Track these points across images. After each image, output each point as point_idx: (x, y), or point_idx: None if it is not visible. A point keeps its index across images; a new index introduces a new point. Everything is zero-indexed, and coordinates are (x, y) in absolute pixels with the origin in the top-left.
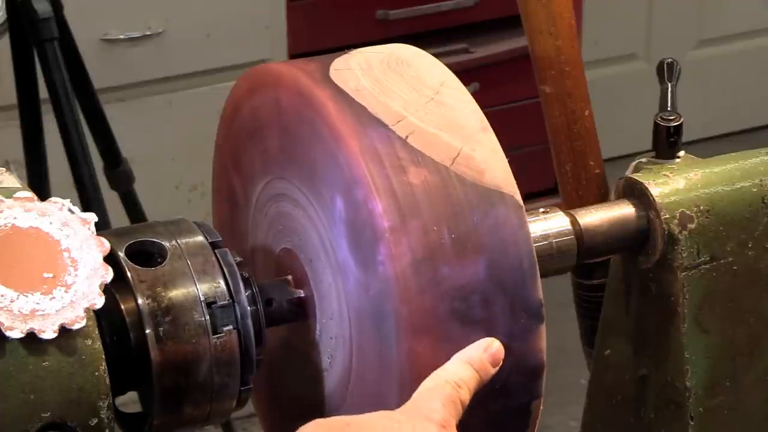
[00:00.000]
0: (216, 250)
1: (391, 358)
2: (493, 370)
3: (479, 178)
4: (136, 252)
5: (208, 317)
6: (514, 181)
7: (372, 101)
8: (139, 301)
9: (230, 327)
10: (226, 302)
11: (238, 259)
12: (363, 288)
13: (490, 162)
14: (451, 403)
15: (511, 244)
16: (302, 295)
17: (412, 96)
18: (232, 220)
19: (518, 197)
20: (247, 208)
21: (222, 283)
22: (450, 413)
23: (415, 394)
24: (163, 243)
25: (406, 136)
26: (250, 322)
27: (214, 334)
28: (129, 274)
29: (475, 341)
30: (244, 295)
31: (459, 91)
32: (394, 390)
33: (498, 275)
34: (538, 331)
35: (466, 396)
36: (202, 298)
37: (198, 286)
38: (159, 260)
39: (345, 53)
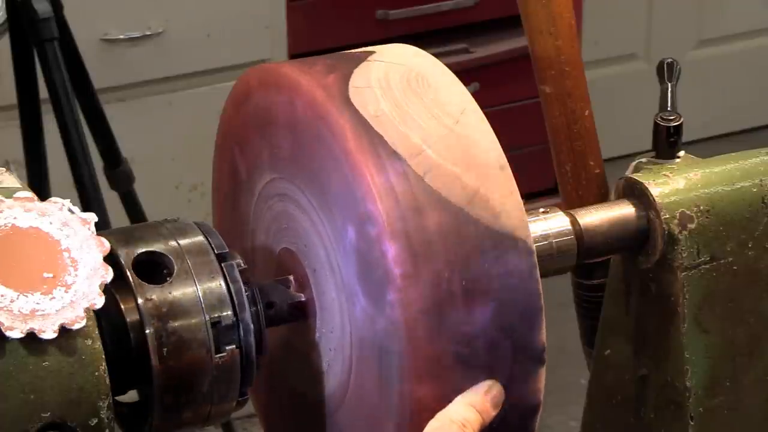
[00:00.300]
0: (222, 264)
1: (391, 394)
2: (494, 413)
3: (493, 221)
4: (142, 262)
5: (211, 336)
6: (527, 223)
7: (391, 130)
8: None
9: (233, 346)
10: (230, 322)
11: (242, 265)
12: (369, 319)
13: (505, 204)
14: None
15: (520, 290)
16: (303, 299)
17: (431, 125)
18: (234, 197)
19: (530, 241)
20: (250, 193)
21: (228, 303)
22: None
23: None
24: (171, 258)
25: (424, 174)
26: (252, 339)
27: (216, 353)
28: (136, 294)
29: (475, 383)
30: (249, 312)
31: (479, 119)
32: (391, 422)
33: (504, 321)
34: (538, 373)
35: None
36: (206, 318)
37: (204, 306)
38: (165, 272)
39: (364, 61)
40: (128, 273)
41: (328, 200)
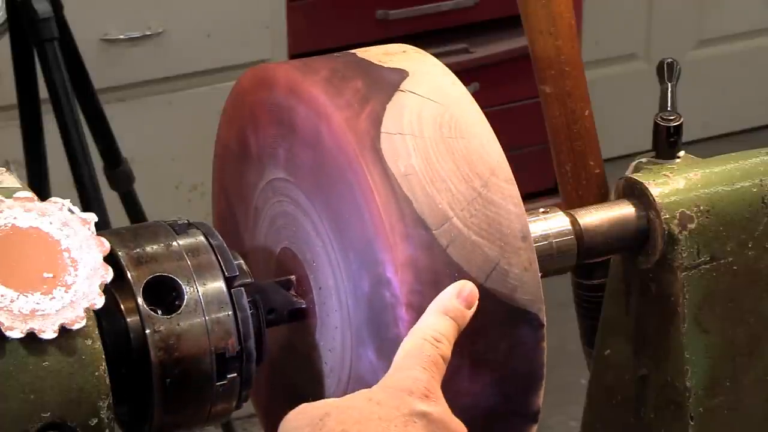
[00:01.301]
0: (232, 290)
1: None
2: (469, 314)
3: (510, 296)
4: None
5: (215, 366)
6: (542, 297)
7: (419, 193)
8: (139, 301)
9: (234, 374)
10: (234, 354)
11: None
12: (373, 369)
13: (523, 278)
14: (433, 365)
15: (525, 361)
16: (304, 305)
17: (460, 187)
18: (241, 165)
19: (542, 315)
20: (257, 174)
21: (234, 334)
22: (432, 376)
23: (395, 361)
24: (182, 285)
25: (447, 245)
26: (254, 365)
27: (218, 381)
28: (145, 324)
29: None
30: (252, 341)
31: (507, 180)
32: None
33: (505, 389)
34: (529, 429)
35: (446, 350)
36: (212, 349)
37: (210, 339)
38: (174, 295)
39: (398, 90)
40: (139, 300)
41: (343, 238)
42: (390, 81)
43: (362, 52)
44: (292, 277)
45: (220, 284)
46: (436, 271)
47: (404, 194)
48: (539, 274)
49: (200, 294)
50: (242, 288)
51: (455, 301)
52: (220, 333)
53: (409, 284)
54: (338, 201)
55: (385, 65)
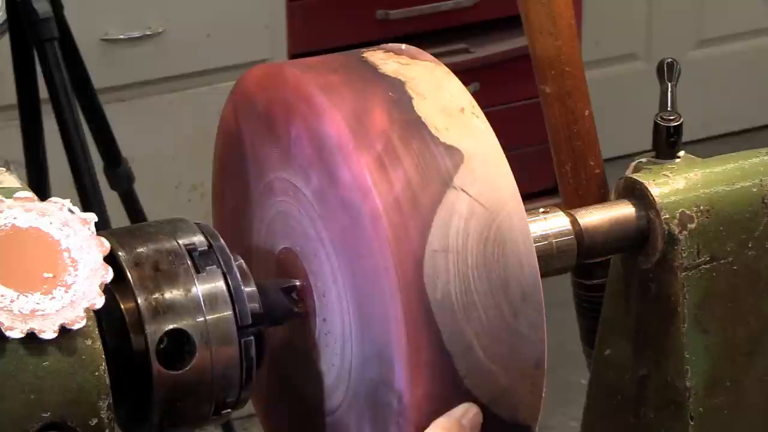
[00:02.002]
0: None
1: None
2: None
3: (511, 417)
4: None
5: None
6: (537, 416)
7: (450, 325)
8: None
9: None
10: (236, 383)
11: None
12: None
13: (525, 401)
14: None
15: None
16: (303, 312)
17: (490, 315)
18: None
19: (536, 425)
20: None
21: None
22: None
23: None
24: (194, 339)
25: (464, 376)
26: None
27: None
28: (154, 373)
29: None
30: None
31: (536, 310)
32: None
33: None
34: None
35: None
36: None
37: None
38: (185, 345)
39: (450, 187)
40: (152, 359)
41: (361, 312)
42: (443, 171)
43: (419, 99)
44: (297, 282)
45: (233, 333)
46: (448, 398)
47: (436, 325)
48: (543, 393)
49: (212, 344)
50: (252, 332)
51: (459, 423)
52: (224, 384)
53: (419, 404)
54: (364, 283)
55: (441, 139)
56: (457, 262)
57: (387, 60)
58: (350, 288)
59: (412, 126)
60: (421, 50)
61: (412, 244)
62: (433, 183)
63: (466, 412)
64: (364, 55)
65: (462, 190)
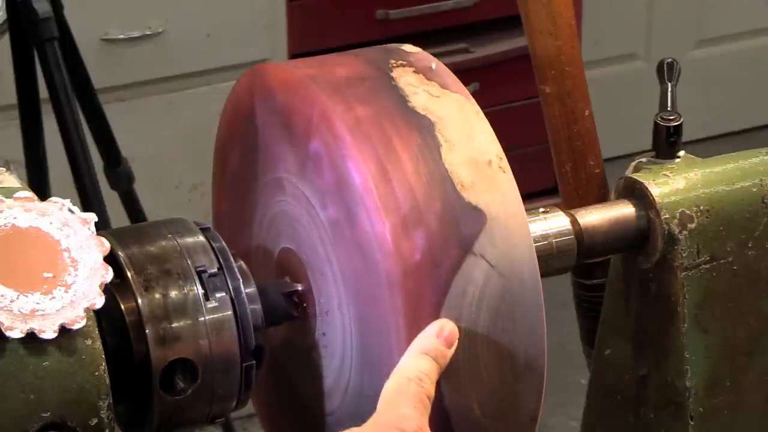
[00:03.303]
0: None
1: None
2: (450, 353)
3: None
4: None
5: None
6: None
7: (453, 394)
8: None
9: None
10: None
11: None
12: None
13: None
14: (420, 403)
15: None
16: (301, 317)
17: (494, 379)
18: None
19: None
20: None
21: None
22: (421, 413)
23: (381, 402)
24: (197, 367)
25: (459, 429)
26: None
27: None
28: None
29: None
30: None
31: (539, 375)
32: None
33: None
34: None
35: (430, 389)
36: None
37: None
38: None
39: (470, 253)
40: (154, 384)
41: (364, 347)
42: (465, 235)
43: (447, 148)
44: (300, 288)
45: (235, 361)
46: None
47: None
48: None
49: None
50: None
51: (436, 342)
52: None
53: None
54: (371, 333)
55: (466, 198)
56: (467, 333)
57: (417, 88)
58: (356, 328)
59: (438, 183)
60: (448, 71)
61: (425, 311)
62: (454, 248)
63: (440, 328)
64: (393, 74)
65: (481, 256)
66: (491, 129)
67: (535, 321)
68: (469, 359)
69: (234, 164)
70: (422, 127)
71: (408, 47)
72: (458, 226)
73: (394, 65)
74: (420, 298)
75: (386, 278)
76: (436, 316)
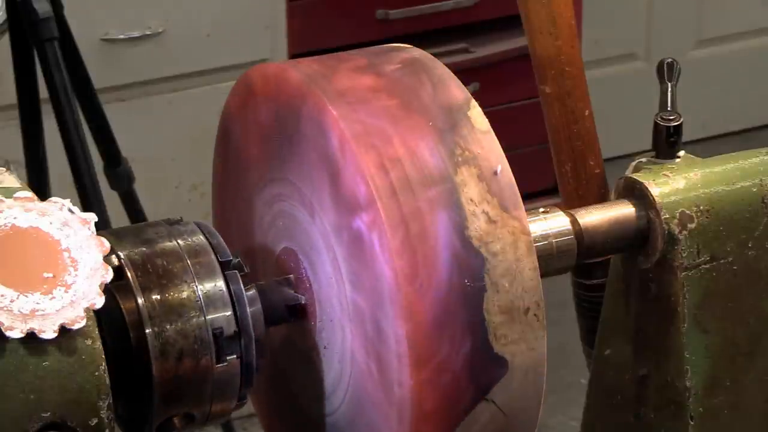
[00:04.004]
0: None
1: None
2: None
3: None
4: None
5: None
6: None
7: None
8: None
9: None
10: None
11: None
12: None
13: None
14: None
15: None
16: (303, 302)
17: None
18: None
19: None
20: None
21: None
22: None
23: None
24: (198, 419)
25: None
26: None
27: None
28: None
29: None
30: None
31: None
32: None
33: None
34: None
35: None
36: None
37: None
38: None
39: (483, 400)
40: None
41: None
42: (483, 383)
43: (491, 293)
44: (291, 276)
45: (211, 257)
46: None
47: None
48: None
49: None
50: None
51: None
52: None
53: None
54: (370, 421)
55: (495, 348)
56: None
57: (478, 207)
58: (354, 401)
59: (473, 331)
60: (510, 177)
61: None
62: (469, 394)
63: None
64: (457, 179)
65: (492, 401)
66: (537, 264)
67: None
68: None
69: (236, 155)
70: (472, 263)
71: (475, 115)
72: (480, 375)
73: (460, 157)
74: None
75: (397, 417)
76: None
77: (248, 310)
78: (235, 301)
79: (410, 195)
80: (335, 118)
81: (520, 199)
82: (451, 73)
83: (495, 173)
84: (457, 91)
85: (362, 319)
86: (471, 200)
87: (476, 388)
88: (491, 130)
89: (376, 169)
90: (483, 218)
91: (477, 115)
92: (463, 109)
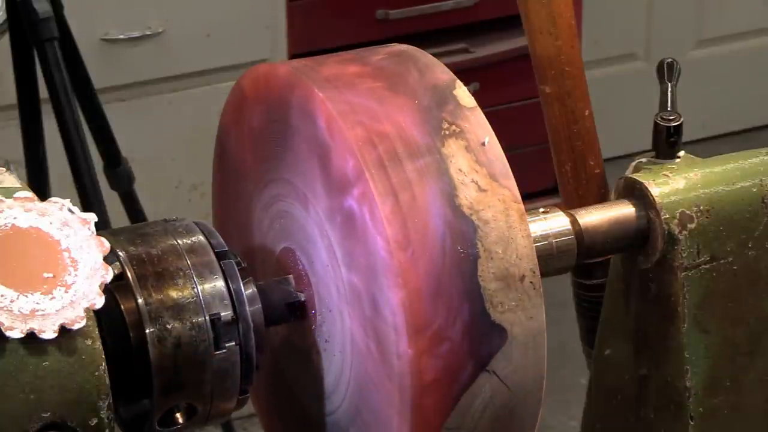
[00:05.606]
0: (222, 262)
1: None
2: None
3: None
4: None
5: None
6: None
7: None
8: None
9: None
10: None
11: (243, 264)
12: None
13: None
14: None
15: None
16: (303, 299)
17: None
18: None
19: None
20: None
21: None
22: None
23: None
24: (199, 410)
25: None
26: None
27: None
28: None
29: None
30: (248, 309)
31: None
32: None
33: None
34: None
35: None
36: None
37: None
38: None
39: (483, 371)
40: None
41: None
42: (483, 353)
43: (485, 259)
44: (290, 276)
45: (210, 257)
46: None
47: None
48: None
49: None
50: (233, 262)
51: None
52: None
53: None
54: (371, 417)
55: (492, 316)
56: None
57: (467, 177)
58: (356, 392)
59: (469, 298)
60: (498, 147)
61: (429, 420)
62: (470, 365)
63: None
64: (445, 150)
65: (494, 372)
66: (530, 231)
67: (530, 425)
68: None
69: (234, 164)
70: (464, 229)
71: (461, 93)
72: (479, 344)
73: (447, 131)
74: (427, 412)
75: (398, 392)
76: (438, 428)
77: (248, 309)
78: (233, 295)
79: (399, 167)
80: (322, 100)
81: (510, 170)
82: (437, 60)
83: (483, 144)
84: (443, 74)
85: (359, 299)
86: (460, 170)
87: (476, 359)
88: (477, 106)
89: (364, 143)
90: (473, 187)
91: (463, 93)
92: (449, 88)
